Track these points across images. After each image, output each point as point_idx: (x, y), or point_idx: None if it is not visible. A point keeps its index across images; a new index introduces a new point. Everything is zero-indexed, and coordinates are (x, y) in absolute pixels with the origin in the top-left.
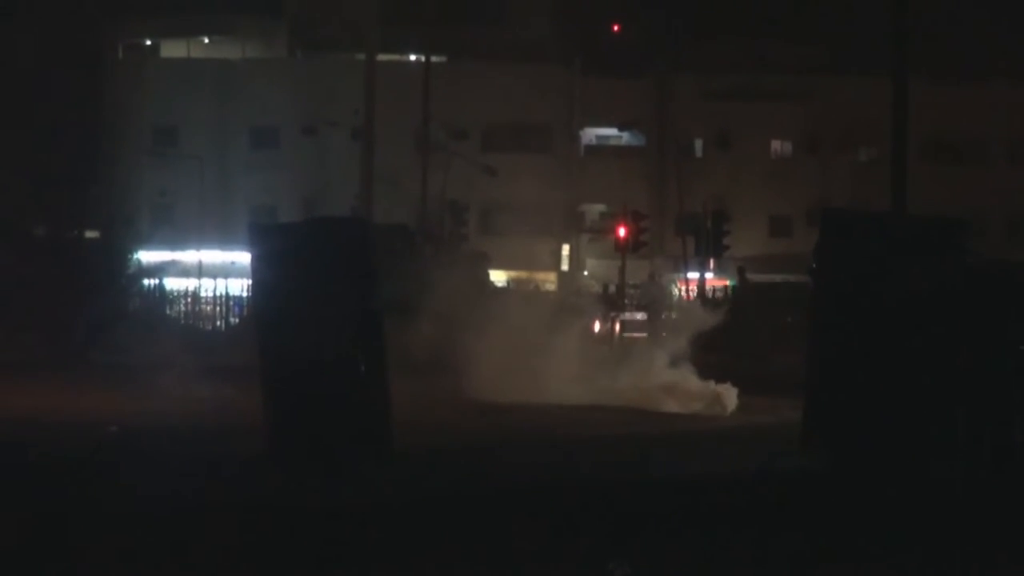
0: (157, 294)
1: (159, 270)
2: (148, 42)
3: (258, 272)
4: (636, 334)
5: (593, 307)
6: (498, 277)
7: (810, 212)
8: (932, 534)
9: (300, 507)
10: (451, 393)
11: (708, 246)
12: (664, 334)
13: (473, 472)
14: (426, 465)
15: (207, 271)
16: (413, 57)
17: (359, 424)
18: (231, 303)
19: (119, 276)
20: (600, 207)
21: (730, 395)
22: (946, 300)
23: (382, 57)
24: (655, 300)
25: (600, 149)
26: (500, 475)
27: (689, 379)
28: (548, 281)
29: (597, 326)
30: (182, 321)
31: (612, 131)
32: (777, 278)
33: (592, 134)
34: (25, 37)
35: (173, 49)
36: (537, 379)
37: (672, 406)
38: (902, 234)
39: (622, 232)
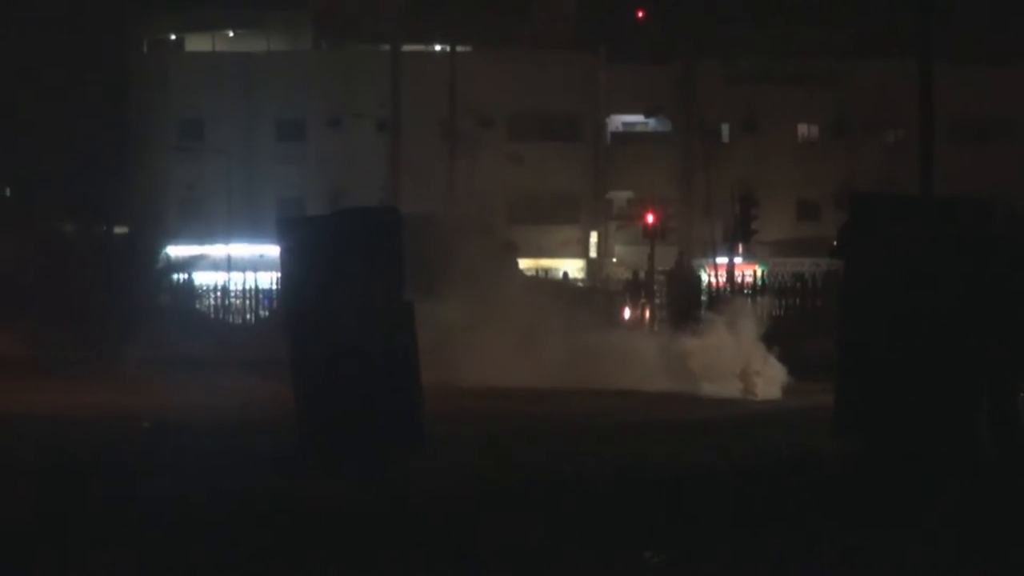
0: (186, 289)
1: (188, 265)
2: (173, 37)
3: (288, 265)
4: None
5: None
6: (526, 266)
7: (837, 195)
8: (966, 516)
9: (333, 500)
10: (478, 381)
11: (736, 231)
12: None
13: (502, 463)
14: (457, 455)
15: (236, 265)
16: (438, 47)
17: (392, 416)
18: (260, 296)
19: (148, 271)
20: (628, 194)
21: (769, 378)
22: (976, 281)
23: (407, 48)
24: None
25: (627, 136)
26: (530, 465)
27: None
28: (577, 269)
29: (627, 312)
30: (212, 315)
31: (639, 118)
32: (805, 262)
33: (619, 121)
34: (50, 34)
35: (198, 43)
36: (564, 365)
37: (706, 390)
38: (931, 216)
39: (650, 218)
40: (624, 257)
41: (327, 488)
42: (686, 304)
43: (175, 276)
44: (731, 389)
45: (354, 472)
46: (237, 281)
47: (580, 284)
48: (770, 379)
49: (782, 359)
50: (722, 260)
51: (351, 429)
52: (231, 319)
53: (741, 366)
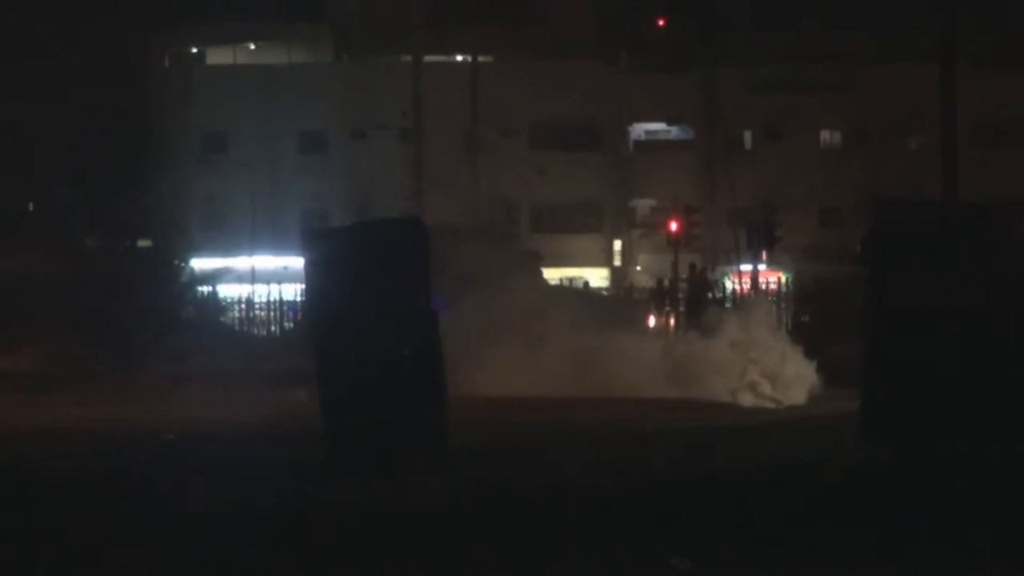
0: (211, 301)
1: (212, 277)
2: (194, 50)
3: (312, 276)
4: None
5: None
6: (550, 275)
7: (860, 201)
8: (995, 522)
9: (362, 511)
10: (501, 391)
11: (760, 238)
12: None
13: (527, 470)
14: (482, 464)
15: (260, 277)
16: (460, 57)
17: (417, 425)
18: (285, 308)
19: (172, 284)
20: (651, 202)
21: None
22: (1000, 285)
23: (429, 58)
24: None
25: (649, 144)
26: (553, 472)
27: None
28: (601, 277)
29: (652, 320)
30: (236, 328)
31: (661, 126)
32: (829, 269)
33: (641, 129)
34: (72, 48)
35: (219, 56)
36: (589, 374)
37: (730, 398)
38: (955, 220)
39: (673, 226)
40: (648, 265)
41: (353, 496)
42: (701, 310)
43: (199, 289)
44: (751, 395)
45: (380, 481)
46: (261, 293)
47: (604, 292)
48: (793, 381)
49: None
50: (746, 267)
51: (377, 438)
52: (256, 331)
53: (751, 368)
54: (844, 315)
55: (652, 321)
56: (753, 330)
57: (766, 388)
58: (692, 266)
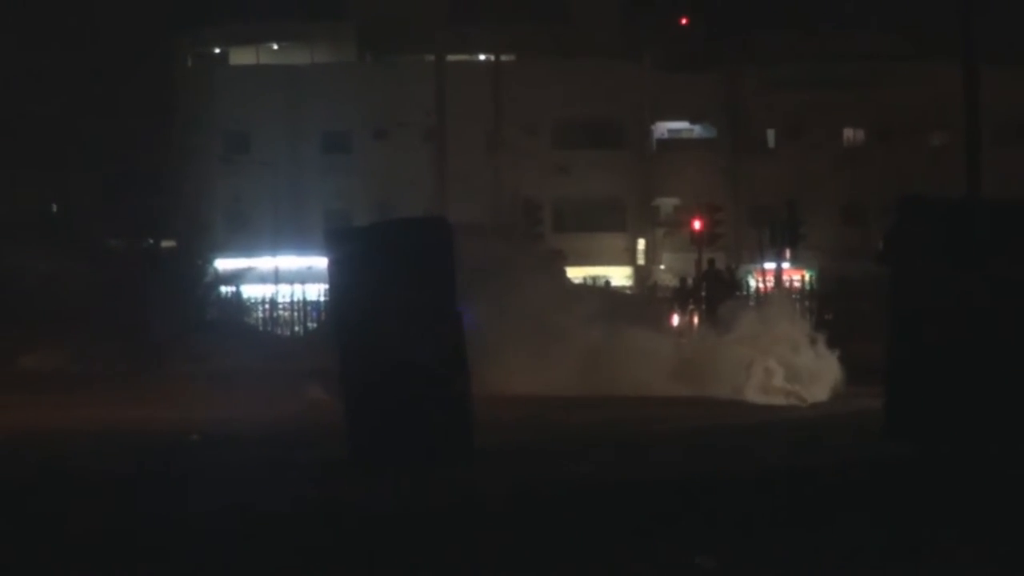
0: (234, 302)
1: (236, 277)
2: (217, 50)
3: (336, 276)
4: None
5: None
6: (574, 274)
7: (884, 199)
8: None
9: (387, 510)
10: (525, 389)
11: (783, 236)
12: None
13: (551, 470)
14: (507, 464)
15: (283, 277)
16: (482, 57)
17: (441, 425)
18: (308, 308)
19: (196, 285)
20: (674, 200)
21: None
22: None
23: (451, 57)
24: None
25: (672, 143)
26: (577, 471)
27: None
28: (625, 276)
29: (675, 319)
30: (260, 328)
31: (684, 124)
32: (852, 267)
33: (663, 128)
34: (95, 48)
35: (242, 56)
36: (615, 372)
37: (754, 396)
38: (979, 218)
39: (697, 225)
40: (672, 264)
41: (377, 496)
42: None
43: (223, 289)
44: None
45: (404, 481)
46: (285, 293)
47: (627, 291)
48: (813, 374)
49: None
50: (770, 265)
51: (401, 438)
52: (280, 331)
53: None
54: (868, 313)
55: (676, 320)
56: (769, 323)
57: (778, 379)
58: (711, 261)
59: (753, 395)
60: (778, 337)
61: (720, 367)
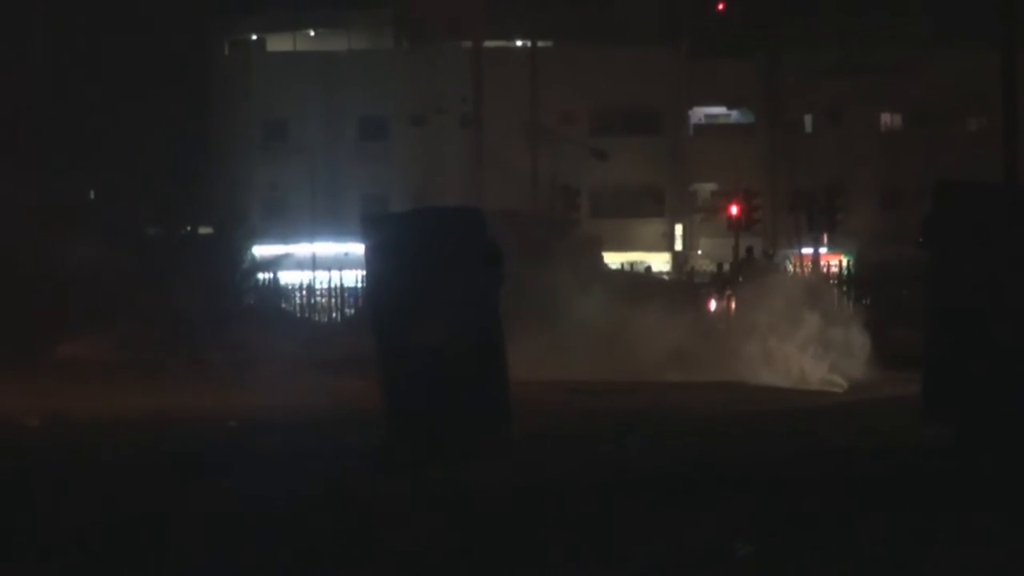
0: (272, 288)
1: (273, 264)
2: (254, 37)
3: (373, 263)
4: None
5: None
6: (612, 259)
7: (922, 184)
8: None
9: (423, 497)
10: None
11: (821, 221)
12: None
13: (587, 460)
14: (545, 452)
15: (321, 263)
16: (520, 43)
17: (479, 412)
18: (346, 295)
19: (234, 272)
20: (711, 186)
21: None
22: None
23: (488, 43)
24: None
25: (709, 128)
26: (610, 462)
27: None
28: (663, 262)
29: (713, 304)
30: (298, 314)
31: (721, 110)
32: (890, 252)
33: (701, 113)
34: (131, 36)
35: (279, 43)
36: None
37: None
38: (1017, 203)
39: (734, 210)
40: (709, 250)
41: (414, 482)
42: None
43: (261, 276)
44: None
45: (443, 467)
46: (322, 280)
47: (665, 277)
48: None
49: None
50: (808, 251)
51: (439, 424)
52: (317, 317)
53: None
54: (906, 298)
55: (713, 305)
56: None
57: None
58: (749, 249)
59: (759, 374)
60: (810, 321)
61: (748, 352)
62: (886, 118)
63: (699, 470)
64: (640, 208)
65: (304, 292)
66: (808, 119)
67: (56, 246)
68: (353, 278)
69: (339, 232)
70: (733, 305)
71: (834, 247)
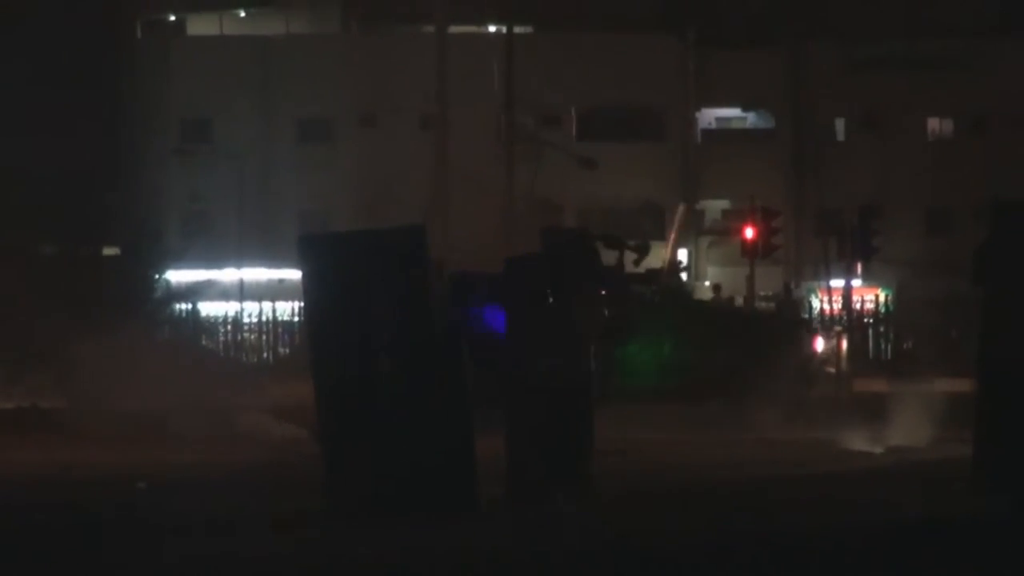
0: (191, 321)
1: (192, 292)
2: (172, 18)
3: (312, 292)
4: None
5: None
6: None
7: (977, 204)
8: None
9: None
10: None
11: (854, 248)
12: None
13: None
14: (510, 525)
15: (250, 292)
16: (493, 28)
17: (435, 469)
18: (280, 330)
19: (144, 301)
20: (722, 203)
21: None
22: None
23: (455, 28)
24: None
25: (721, 134)
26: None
27: None
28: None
29: (820, 344)
30: (222, 353)
31: (735, 112)
32: (937, 285)
33: (711, 116)
34: (29, 20)
35: (202, 25)
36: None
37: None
38: None
39: (750, 233)
40: (719, 280)
41: (370, 560)
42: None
43: (177, 306)
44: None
45: (398, 535)
46: (252, 312)
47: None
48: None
49: (907, 399)
50: (837, 283)
51: (388, 483)
52: (245, 357)
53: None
54: (955, 341)
55: (820, 344)
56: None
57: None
58: (787, 286)
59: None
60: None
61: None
62: (934, 124)
63: (715, 541)
64: (636, 228)
65: (229, 326)
66: (840, 124)
67: None
68: (288, 310)
69: (272, 255)
70: (844, 345)
71: (870, 279)
